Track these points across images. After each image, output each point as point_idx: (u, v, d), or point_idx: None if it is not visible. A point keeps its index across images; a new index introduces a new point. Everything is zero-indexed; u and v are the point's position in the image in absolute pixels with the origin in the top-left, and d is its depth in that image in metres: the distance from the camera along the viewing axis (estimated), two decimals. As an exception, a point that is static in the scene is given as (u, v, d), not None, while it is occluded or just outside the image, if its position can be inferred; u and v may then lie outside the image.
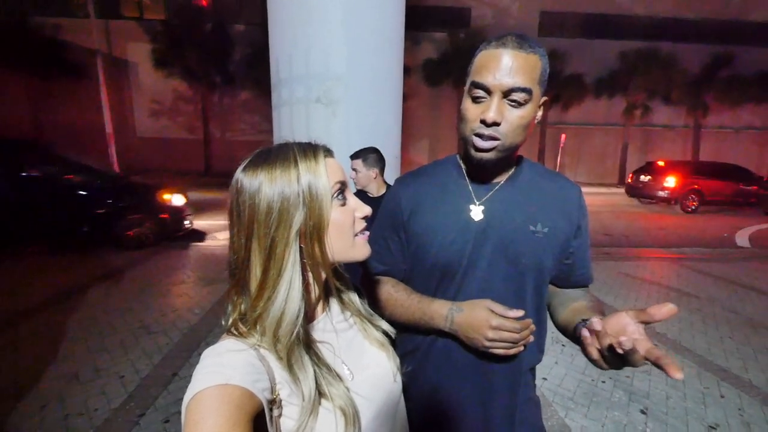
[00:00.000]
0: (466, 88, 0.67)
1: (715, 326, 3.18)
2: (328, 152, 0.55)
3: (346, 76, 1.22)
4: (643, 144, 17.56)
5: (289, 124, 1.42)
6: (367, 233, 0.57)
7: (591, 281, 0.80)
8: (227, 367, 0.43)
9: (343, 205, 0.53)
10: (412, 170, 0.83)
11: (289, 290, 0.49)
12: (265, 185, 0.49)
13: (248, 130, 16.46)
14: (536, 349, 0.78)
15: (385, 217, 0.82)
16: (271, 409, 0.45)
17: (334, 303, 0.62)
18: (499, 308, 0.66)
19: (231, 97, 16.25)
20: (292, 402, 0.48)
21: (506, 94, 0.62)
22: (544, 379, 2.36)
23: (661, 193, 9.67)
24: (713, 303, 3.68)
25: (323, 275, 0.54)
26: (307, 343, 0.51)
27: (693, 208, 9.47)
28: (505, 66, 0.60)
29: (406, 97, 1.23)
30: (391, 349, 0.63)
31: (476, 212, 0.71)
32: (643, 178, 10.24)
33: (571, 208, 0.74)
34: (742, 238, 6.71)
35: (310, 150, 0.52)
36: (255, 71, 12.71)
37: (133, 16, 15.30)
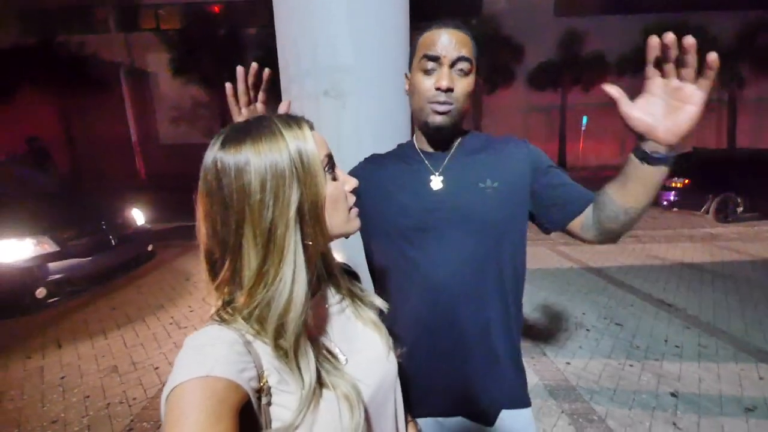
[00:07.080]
0: (415, 64, 0.76)
1: (753, 307, 3.01)
2: (310, 124, 0.51)
3: (354, 68, 1.22)
4: (671, 122, 16.60)
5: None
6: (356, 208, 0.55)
7: (591, 195, 0.75)
8: (209, 357, 0.39)
9: (335, 179, 0.51)
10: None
11: (295, 275, 0.44)
12: (253, 160, 0.43)
13: (265, 131, 16.72)
14: (500, 305, 0.76)
15: None
16: (258, 398, 0.42)
17: (326, 283, 0.59)
18: None
19: (247, 100, 16.57)
20: (284, 389, 0.44)
21: (453, 64, 0.71)
22: (568, 363, 2.32)
23: None
24: (750, 284, 3.49)
25: (317, 254, 0.51)
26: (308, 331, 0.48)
27: None
28: (450, 40, 0.70)
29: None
30: (384, 329, 0.60)
31: (436, 182, 0.77)
32: None
33: (520, 157, 0.77)
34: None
35: (293, 120, 0.47)
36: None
37: (151, 27, 15.82)
